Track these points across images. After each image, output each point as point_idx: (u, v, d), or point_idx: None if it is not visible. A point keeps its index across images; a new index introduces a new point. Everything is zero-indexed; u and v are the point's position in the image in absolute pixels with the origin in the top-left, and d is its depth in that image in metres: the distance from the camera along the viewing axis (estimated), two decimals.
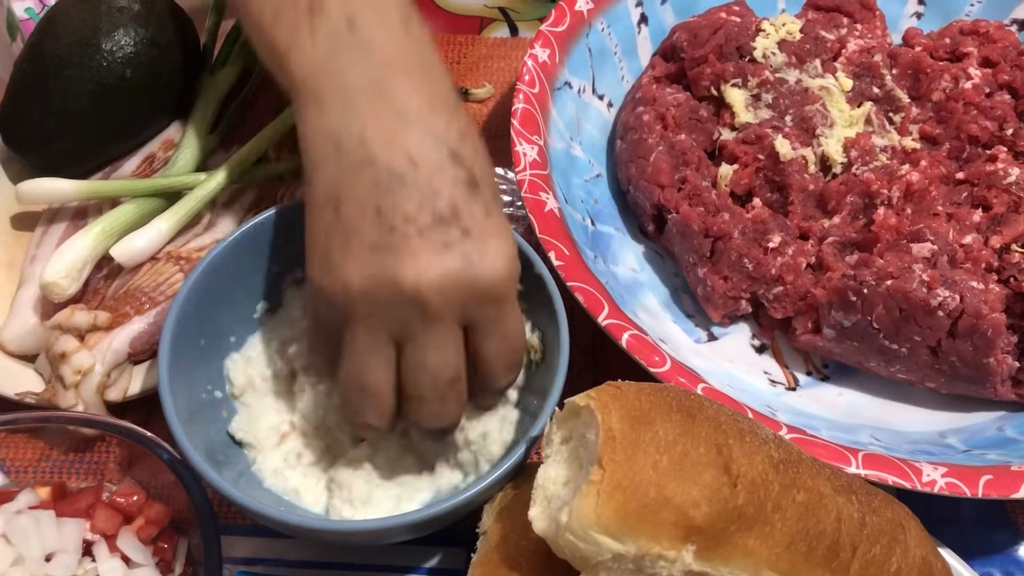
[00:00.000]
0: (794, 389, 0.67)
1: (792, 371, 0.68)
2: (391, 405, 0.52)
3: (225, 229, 0.68)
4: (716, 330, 0.70)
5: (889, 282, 0.62)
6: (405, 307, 0.48)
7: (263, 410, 0.59)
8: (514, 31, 0.91)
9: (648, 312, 0.69)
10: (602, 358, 0.69)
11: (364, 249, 0.48)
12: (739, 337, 0.70)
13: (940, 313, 0.61)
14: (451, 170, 0.49)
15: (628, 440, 0.44)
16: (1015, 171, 0.68)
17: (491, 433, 0.58)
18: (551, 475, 0.47)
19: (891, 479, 0.56)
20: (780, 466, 0.46)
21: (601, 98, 0.78)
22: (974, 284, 0.62)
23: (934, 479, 0.56)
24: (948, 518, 0.62)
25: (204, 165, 0.71)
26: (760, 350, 0.69)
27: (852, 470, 0.55)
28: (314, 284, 0.51)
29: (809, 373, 0.68)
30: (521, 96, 0.70)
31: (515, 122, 0.68)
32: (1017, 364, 0.63)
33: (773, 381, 0.67)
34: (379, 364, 0.50)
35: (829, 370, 0.69)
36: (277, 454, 0.58)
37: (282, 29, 0.52)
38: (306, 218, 0.51)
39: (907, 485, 0.55)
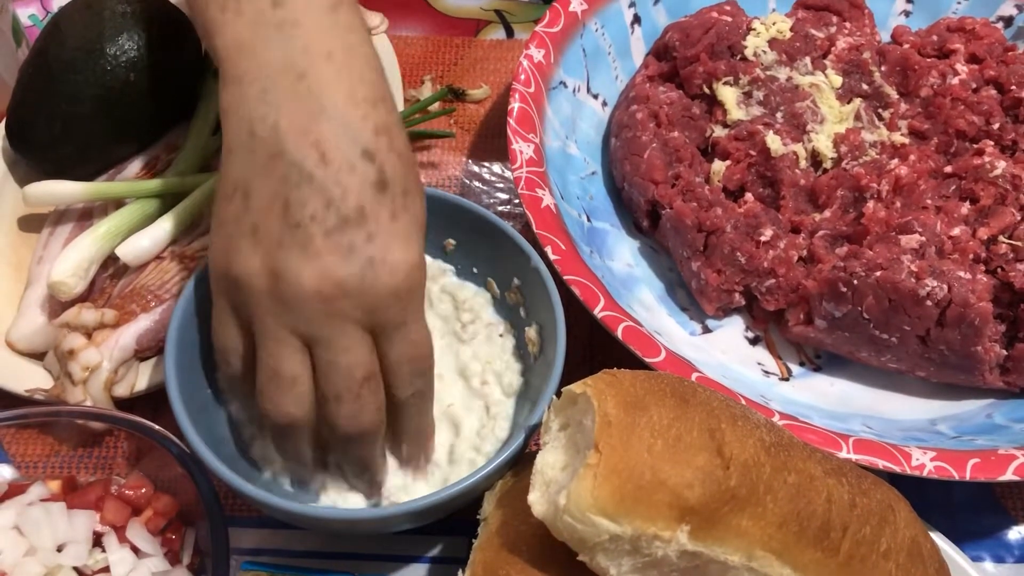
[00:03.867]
0: (787, 379, 0.69)
1: (785, 362, 0.70)
2: (309, 394, 0.52)
3: None
4: (710, 323, 0.71)
5: (878, 273, 0.64)
6: (308, 308, 0.49)
7: None
8: (510, 33, 0.92)
9: (644, 306, 0.70)
10: (599, 352, 0.70)
11: (270, 243, 0.49)
12: (733, 329, 0.71)
13: (928, 303, 0.63)
14: (361, 168, 0.49)
15: (623, 425, 0.46)
16: (1001, 164, 0.69)
17: (497, 415, 0.59)
18: (549, 461, 0.49)
19: (881, 463, 0.57)
20: (772, 449, 0.48)
21: (596, 97, 0.80)
22: (961, 274, 0.64)
23: (923, 463, 0.57)
24: (939, 503, 0.64)
25: (207, 166, 0.73)
26: (754, 342, 0.71)
27: (843, 455, 0.57)
28: (219, 271, 0.51)
29: (802, 364, 0.70)
30: (517, 96, 0.71)
31: (511, 121, 0.70)
32: (1004, 352, 0.65)
33: (767, 372, 0.69)
34: (292, 354, 0.51)
35: (822, 360, 0.70)
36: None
37: (213, 5, 0.52)
38: (215, 201, 0.52)
39: (897, 469, 0.57)
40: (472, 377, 0.61)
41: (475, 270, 0.65)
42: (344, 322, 0.50)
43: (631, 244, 0.75)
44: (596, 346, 0.71)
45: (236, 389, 0.56)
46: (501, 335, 0.63)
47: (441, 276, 0.65)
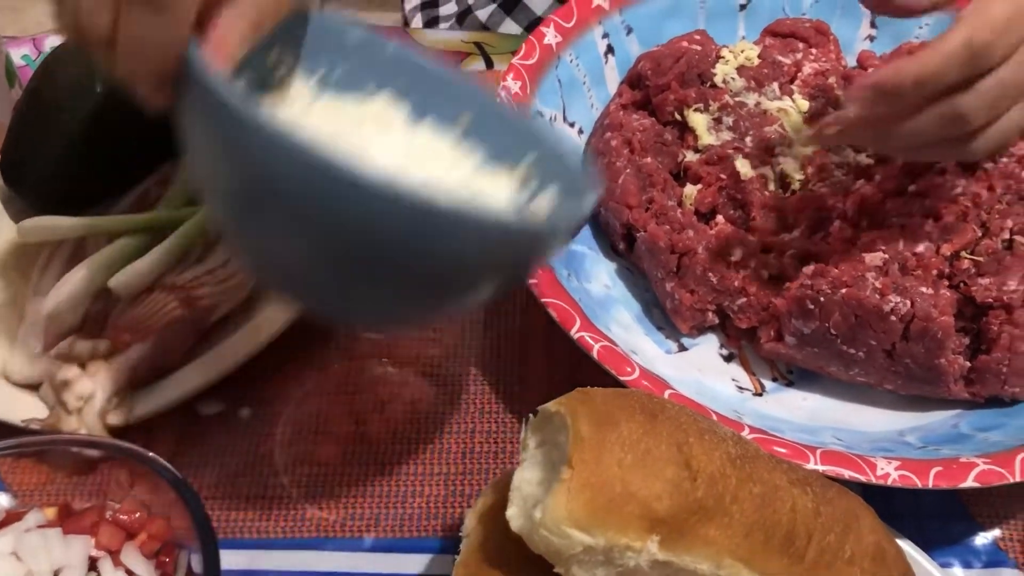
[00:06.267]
0: (761, 395, 0.71)
1: (759, 377, 0.72)
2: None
3: (217, 259, 0.72)
4: (686, 341, 0.74)
5: (844, 290, 0.66)
6: None
7: None
8: (489, 64, 0.95)
9: (621, 326, 0.73)
10: (579, 372, 0.72)
11: None
12: (708, 347, 0.74)
13: (892, 318, 0.65)
14: None
15: (595, 441, 0.48)
16: (962, 183, 0.72)
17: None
18: (527, 477, 0.51)
19: (847, 473, 0.59)
20: (737, 461, 0.50)
21: (572, 125, 0.82)
22: (924, 290, 0.66)
23: (887, 472, 0.59)
24: (908, 512, 0.65)
25: (196, 199, 0.75)
26: (728, 359, 0.73)
27: (811, 466, 0.59)
28: None
29: (775, 379, 0.72)
30: None
31: None
32: (968, 364, 0.67)
33: (741, 387, 0.71)
34: None
35: (794, 376, 0.72)
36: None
37: None
38: None
39: (862, 478, 0.59)
40: None
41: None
42: None
43: (608, 266, 0.77)
44: (576, 366, 0.72)
45: None
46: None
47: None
